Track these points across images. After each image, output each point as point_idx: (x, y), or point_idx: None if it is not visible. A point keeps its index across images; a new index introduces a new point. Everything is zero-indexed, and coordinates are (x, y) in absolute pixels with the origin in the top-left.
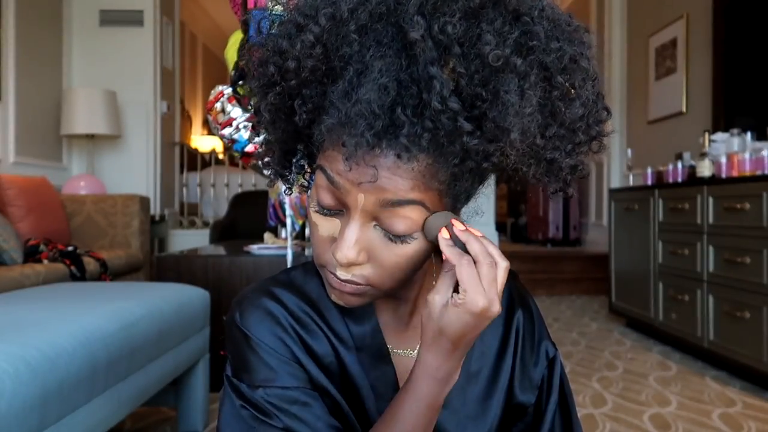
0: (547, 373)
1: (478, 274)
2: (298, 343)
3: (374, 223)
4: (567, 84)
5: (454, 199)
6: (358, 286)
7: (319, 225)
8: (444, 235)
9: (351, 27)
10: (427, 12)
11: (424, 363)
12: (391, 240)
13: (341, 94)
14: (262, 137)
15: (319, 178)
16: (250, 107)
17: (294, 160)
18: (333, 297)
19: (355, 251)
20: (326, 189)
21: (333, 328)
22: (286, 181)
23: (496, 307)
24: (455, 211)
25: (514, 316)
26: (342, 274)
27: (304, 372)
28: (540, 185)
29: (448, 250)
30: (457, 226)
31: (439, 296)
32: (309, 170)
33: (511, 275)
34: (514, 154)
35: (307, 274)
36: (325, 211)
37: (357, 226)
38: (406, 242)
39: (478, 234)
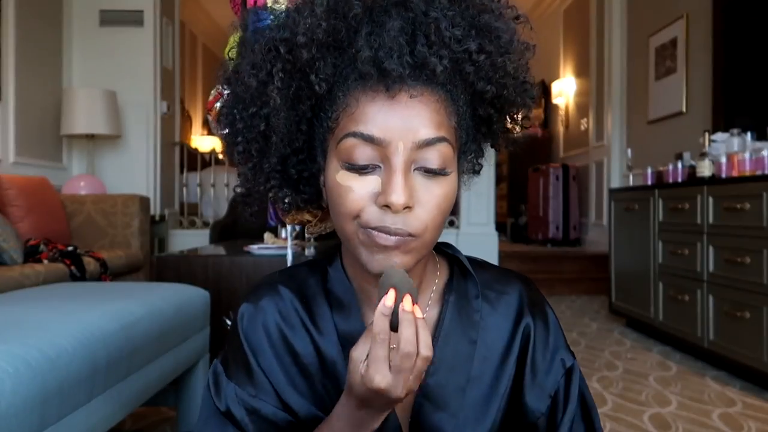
0: (564, 383)
1: (391, 356)
2: (281, 345)
3: (413, 166)
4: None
5: (464, 135)
6: (405, 238)
7: (353, 186)
8: (387, 302)
9: (354, 1)
10: None
11: (340, 402)
12: (433, 175)
13: (365, 41)
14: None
15: (349, 141)
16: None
17: (295, 161)
18: (376, 263)
19: (407, 193)
20: (361, 146)
21: (319, 327)
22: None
23: (397, 393)
24: (466, 144)
25: (522, 323)
26: (394, 220)
27: (272, 387)
28: (518, 124)
29: (378, 318)
30: (405, 303)
31: (356, 353)
32: (308, 172)
33: (526, 282)
34: (511, 66)
35: (311, 271)
36: (359, 167)
37: (401, 172)
38: (443, 176)
39: (419, 316)
